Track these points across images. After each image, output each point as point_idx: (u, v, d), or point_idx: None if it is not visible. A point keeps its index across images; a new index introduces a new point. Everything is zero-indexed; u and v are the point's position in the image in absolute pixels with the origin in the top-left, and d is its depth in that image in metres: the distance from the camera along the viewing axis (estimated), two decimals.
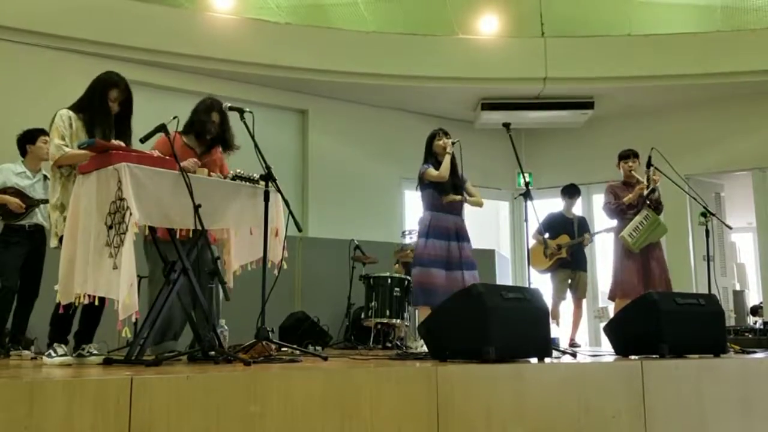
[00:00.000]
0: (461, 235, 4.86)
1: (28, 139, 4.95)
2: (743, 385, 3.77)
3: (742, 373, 3.84)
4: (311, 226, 8.28)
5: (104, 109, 3.48)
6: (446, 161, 4.81)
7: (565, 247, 6.55)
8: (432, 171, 4.87)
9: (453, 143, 4.88)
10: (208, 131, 4.04)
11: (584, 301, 6.78)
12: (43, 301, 4.51)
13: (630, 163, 5.74)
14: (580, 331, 6.78)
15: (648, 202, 5.60)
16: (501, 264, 8.28)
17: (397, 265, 6.73)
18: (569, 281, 6.61)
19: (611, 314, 5.86)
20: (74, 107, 3.49)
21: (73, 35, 7.14)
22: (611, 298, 5.76)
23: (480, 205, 5.07)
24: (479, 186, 5.46)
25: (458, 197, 4.87)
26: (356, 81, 8.32)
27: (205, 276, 3.69)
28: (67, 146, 3.36)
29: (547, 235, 6.58)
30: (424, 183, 4.94)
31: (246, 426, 2.28)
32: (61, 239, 3.35)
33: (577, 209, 7.10)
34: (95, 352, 3.40)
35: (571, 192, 6.85)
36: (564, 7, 8.76)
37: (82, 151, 3.29)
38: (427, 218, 4.87)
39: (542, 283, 6.60)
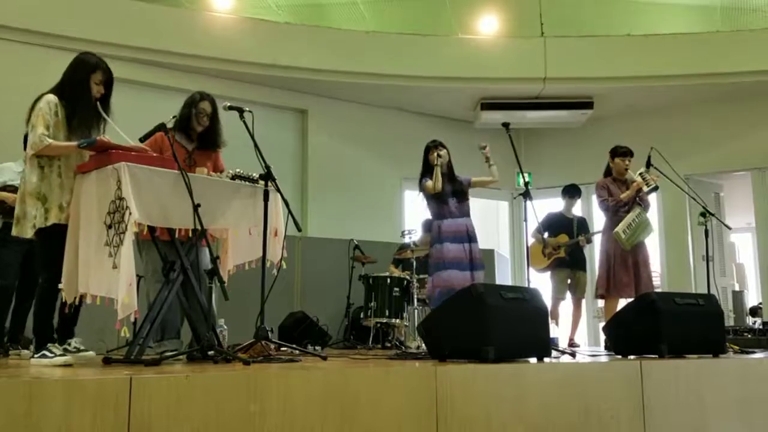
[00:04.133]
0: (471, 236, 5.04)
1: None
2: (742, 386, 3.77)
3: (741, 374, 3.84)
4: (311, 225, 8.28)
5: (87, 100, 3.38)
6: (436, 173, 5.00)
7: (563, 246, 6.55)
8: (429, 184, 5.07)
9: (439, 156, 5.02)
10: (196, 123, 3.92)
11: (583, 301, 6.78)
12: None
13: (627, 161, 5.74)
14: (579, 331, 6.78)
15: (639, 201, 5.61)
16: (500, 264, 8.28)
17: (392, 265, 6.75)
18: (568, 281, 6.60)
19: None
20: (56, 92, 3.39)
21: (72, 34, 7.12)
22: (599, 296, 5.73)
23: (494, 179, 5.18)
24: (479, 187, 5.48)
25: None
26: (356, 81, 8.32)
27: (203, 276, 3.69)
28: (50, 137, 3.25)
29: (546, 235, 6.59)
30: (426, 195, 5.16)
31: (245, 426, 2.28)
32: (40, 231, 3.24)
33: (577, 209, 7.10)
34: (81, 346, 3.36)
35: (572, 192, 6.85)
36: (564, 7, 8.76)
37: (66, 144, 3.25)
38: (437, 226, 5.06)
39: (541, 282, 6.60)
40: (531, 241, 5.86)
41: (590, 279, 8.50)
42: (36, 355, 3.21)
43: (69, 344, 3.35)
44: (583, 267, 6.70)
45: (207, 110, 3.94)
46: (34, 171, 3.31)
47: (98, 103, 3.43)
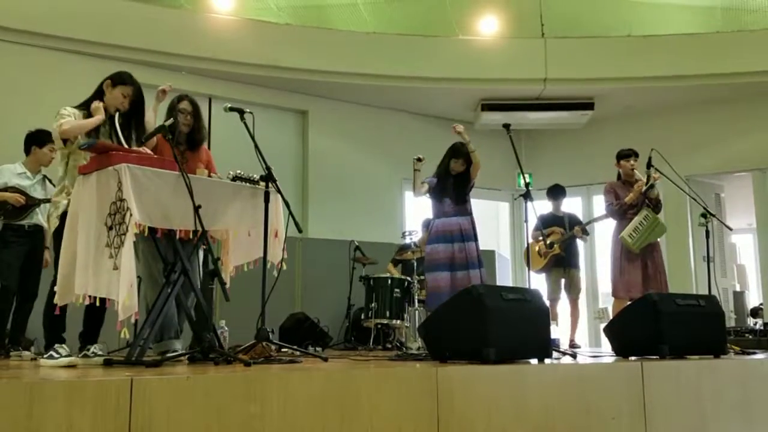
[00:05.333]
0: (466, 236, 5.04)
1: (36, 141, 4.90)
2: (743, 387, 3.77)
3: (741, 375, 3.84)
4: (311, 226, 8.28)
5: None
6: (414, 178, 5.07)
7: (558, 243, 6.54)
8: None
9: (419, 160, 5.05)
10: (182, 125, 3.96)
11: (581, 300, 6.77)
12: (43, 302, 4.50)
13: (632, 162, 5.74)
14: (580, 332, 6.77)
15: (648, 201, 5.61)
16: (501, 264, 8.28)
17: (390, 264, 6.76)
18: (563, 280, 6.61)
19: (611, 315, 5.86)
20: (79, 106, 3.52)
21: (73, 36, 7.15)
22: (614, 295, 5.76)
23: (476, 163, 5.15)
24: (479, 187, 5.50)
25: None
26: (356, 82, 8.32)
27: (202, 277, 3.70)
28: (72, 119, 3.38)
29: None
30: (429, 194, 5.24)
31: (246, 427, 2.28)
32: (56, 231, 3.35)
33: (577, 210, 7.09)
34: (99, 352, 3.39)
35: (555, 193, 6.87)
36: (564, 8, 8.77)
37: (83, 122, 3.36)
38: (433, 225, 5.15)
39: (540, 283, 6.60)
40: (532, 241, 5.86)
41: (591, 279, 8.49)
42: (44, 356, 3.26)
43: (88, 349, 3.37)
44: (575, 264, 6.69)
45: (188, 109, 4.00)
46: (61, 164, 3.46)
47: (118, 114, 3.49)
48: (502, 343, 3.15)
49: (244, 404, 2.29)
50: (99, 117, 3.43)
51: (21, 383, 2.03)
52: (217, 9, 8.01)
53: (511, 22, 8.78)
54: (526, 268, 5.01)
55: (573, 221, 6.74)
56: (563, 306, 6.68)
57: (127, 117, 3.56)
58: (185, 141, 4.03)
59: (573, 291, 6.60)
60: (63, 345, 3.29)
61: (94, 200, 3.13)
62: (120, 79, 3.54)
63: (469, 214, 5.17)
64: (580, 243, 6.79)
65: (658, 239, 5.68)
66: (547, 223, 6.66)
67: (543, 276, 6.70)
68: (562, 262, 6.57)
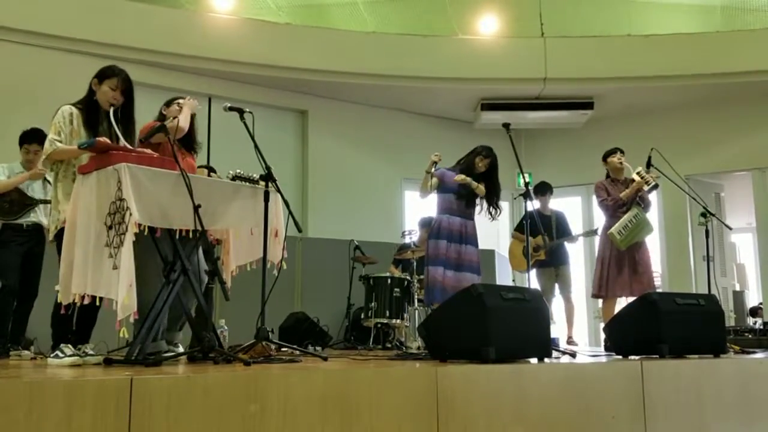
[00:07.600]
0: (466, 239, 5.07)
1: (26, 140, 4.95)
2: (743, 386, 3.77)
3: (741, 374, 3.84)
4: (311, 226, 8.29)
5: (95, 103, 3.49)
6: (425, 180, 5.10)
7: (545, 248, 6.52)
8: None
9: (435, 163, 5.08)
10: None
11: (572, 295, 6.76)
12: (43, 301, 4.51)
13: (619, 156, 5.75)
14: (579, 331, 6.76)
15: (639, 200, 5.60)
16: (501, 264, 8.28)
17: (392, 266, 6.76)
18: (555, 278, 6.62)
19: None
20: (77, 103, 3.50)
21: (73, 36, 7.15)
22: (596, 296, 5.70)
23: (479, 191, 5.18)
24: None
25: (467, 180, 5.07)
26: (356, 81, 8.33)
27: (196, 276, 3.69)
28: (60, 142, 3.35)
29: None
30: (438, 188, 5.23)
31: (246, 426, 2.28)
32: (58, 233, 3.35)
33: (577, 210, 7.09)
34: (91, 352, 3.38)
35: (542, 191, 6.87)
36: (564, 8, 8.77)
37: (74, 147, 3.31)
38: (437, 220, 5.15)
39: (532, 282, 6.60)
40: (532, 241, 5.85)
41: (589, 278, 8.42)
42: (50, 355, 3.28)
43: (79, 349, 3.36)
44: (564, 261, 6.70)
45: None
46: (55, 177, 3.44)
47: (114, 109, 3.46)
48: (502, 342, 3.15)
49: (244, 404, 2.29)
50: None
51: (21, 383, 2.03)
52: (217, 8, 8.01)
53: (511, 21, 8.79)
54: (527, 268, 5.01)
55: (560, 220, 6.75)
56: (557, 303, 6.68)
57: (122, 109, 3.51)
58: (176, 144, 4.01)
59: (565, 287, 6.61)
60: (68, 345, 3.29)
61: (94, 200, 3.13)
62: (105, 73, 3.50)
63: (473, 218, 5.20)
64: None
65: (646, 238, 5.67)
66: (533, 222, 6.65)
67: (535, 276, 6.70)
68: (550, 262, 6.58)
